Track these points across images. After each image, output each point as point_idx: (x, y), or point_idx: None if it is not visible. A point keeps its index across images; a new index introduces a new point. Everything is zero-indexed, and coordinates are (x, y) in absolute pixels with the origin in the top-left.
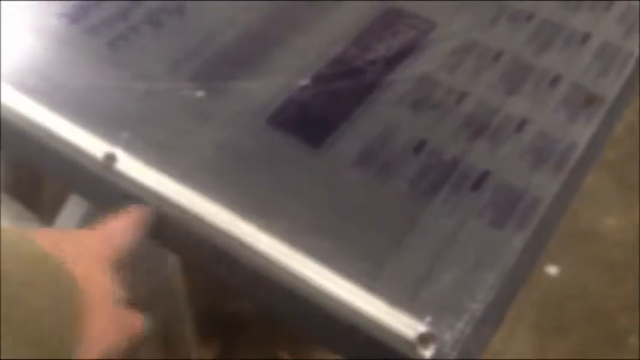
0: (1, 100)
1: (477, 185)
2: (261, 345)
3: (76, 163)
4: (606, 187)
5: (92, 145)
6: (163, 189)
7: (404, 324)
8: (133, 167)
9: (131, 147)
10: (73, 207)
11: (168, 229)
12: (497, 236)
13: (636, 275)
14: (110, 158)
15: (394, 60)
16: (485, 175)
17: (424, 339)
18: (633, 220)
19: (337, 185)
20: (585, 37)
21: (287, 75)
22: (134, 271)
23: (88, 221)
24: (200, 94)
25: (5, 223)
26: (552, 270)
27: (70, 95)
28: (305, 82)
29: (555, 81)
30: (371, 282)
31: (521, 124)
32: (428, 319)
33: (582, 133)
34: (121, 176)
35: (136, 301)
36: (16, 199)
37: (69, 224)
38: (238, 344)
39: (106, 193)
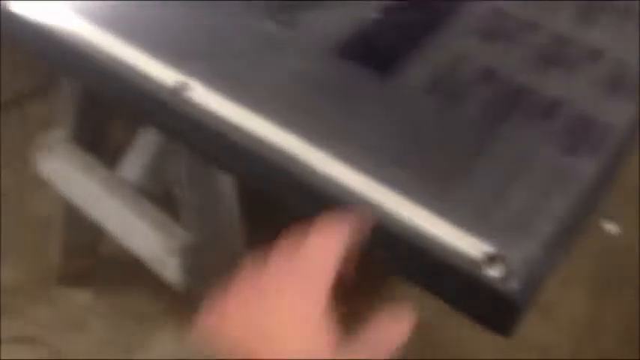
0: (74, 30)
1: (549, 113)
2: None
3: (148, 92)
4: None
5: (163, 73)
6: (236, 117)
7: (471, 244)
8: (204, 95)
9: (203, 76)
10: (139, 152)
11: (239, 156)
12: (569, 162)
13: None
14: (182, 86)
15: None
16: (558, 103)
17: (491, 258)
18: None
19: (406, 112)
20: None
21: (357, 7)
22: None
23: (152, 168)
24: (273, 26)
25: (76, 173)
26: (611, 228)
27: (140, 26)
28: (376, 14)
29: (628, 11)
30: (439, 204)
31: (597, 54)
32: (496, 239)
33: None
34: (193, 105)
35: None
36: (82, 146)
37: (134, 169)
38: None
39: (177, 123)
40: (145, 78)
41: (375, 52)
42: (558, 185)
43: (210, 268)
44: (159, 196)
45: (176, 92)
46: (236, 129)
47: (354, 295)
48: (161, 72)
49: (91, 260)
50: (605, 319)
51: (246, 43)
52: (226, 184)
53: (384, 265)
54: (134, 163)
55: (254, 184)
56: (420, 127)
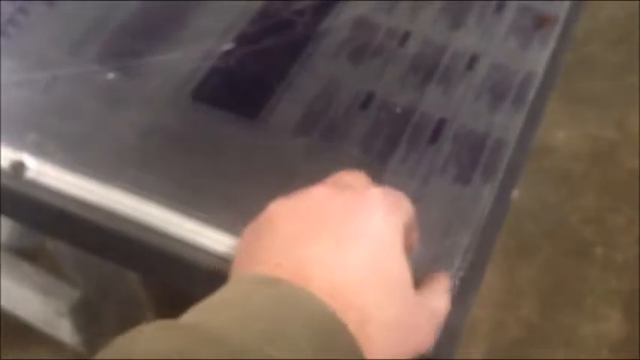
0: None
1: (435, 137)
2: None
3: None
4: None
5: None
6: (85, 193)
7: None
8: (46, 173)
9: (41, 150)
10: None
11: (97, 236)
12: (464, 193)
13: (594, 186)
14: (18, 167)
15: (324, 6)
16: (442, 123)
17: None
18: (582, 132)
19: (283, 159)
20: None
21: (207, 40)
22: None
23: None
24: (111, 75)
25: None
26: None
27: None
28: (228, 45)
29: (501, 6)
30: None
31: (473, 60)
32: None
33: (538, 59)
34: (34, 185)
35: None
36: None
37: (3, 229)
38: None
39: (20, 206)
40: None
41: (234, 91)
42: (457, 221)
43: (106, 318)
44: (35, 251)
45: (11, 174)
46: (85, 207)
47: None
48: None
49: None
50: (521, 287)
51: (85, 100)
52: None
53: None
54: (2, 223)
55: (119, 262)
56: (299, 175)
